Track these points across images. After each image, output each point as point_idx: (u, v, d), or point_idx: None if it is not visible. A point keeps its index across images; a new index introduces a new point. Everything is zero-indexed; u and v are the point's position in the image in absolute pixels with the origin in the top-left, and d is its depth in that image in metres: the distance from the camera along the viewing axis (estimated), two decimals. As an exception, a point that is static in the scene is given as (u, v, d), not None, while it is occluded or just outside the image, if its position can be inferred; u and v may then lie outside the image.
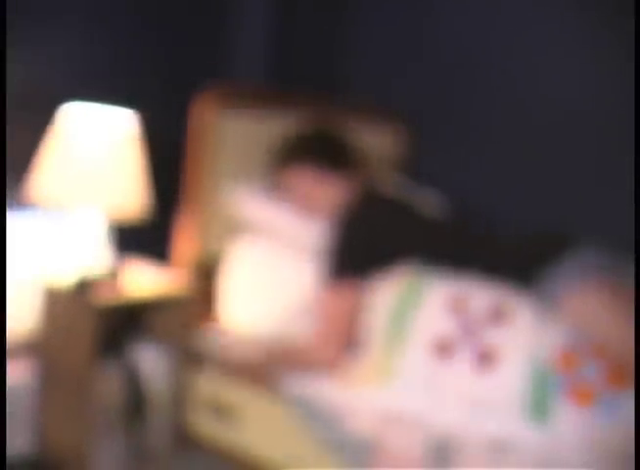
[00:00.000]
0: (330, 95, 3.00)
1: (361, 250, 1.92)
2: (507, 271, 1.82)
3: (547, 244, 1.85)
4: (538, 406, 1.61)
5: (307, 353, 1.91)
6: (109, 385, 1.97)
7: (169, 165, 2.31)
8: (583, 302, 1.69)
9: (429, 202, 2.21)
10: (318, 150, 2.12)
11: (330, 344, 1.88)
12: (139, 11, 2.39)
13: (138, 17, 2.39)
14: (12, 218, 2.02)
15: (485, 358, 1.68)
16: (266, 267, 2.00)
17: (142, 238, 2.17)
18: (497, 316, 1.73)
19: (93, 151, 1.88)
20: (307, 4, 2.97)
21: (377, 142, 2.62)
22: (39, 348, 2.02)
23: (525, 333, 1.69)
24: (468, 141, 2.95)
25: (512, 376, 1.65)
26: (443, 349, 1.73)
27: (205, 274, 2.24)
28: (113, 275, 1.97)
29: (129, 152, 1.95)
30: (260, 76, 2.78)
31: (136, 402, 2.07)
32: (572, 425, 1.57)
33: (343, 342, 1.89)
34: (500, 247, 1.89)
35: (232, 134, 2.29)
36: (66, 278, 1.94)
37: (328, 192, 2.12)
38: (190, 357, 2.14)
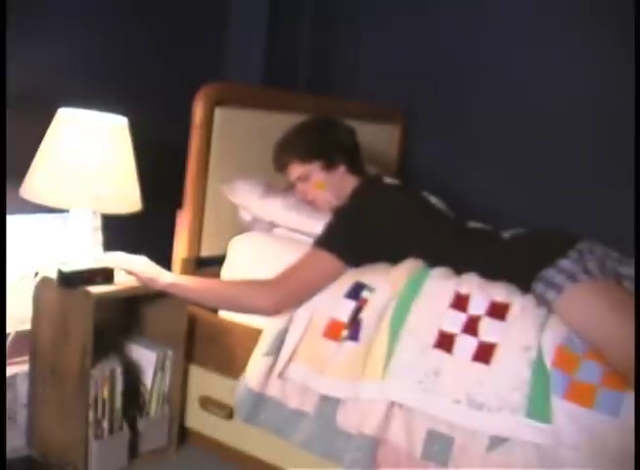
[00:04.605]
0: (328, 94, 3.00)
1: (351, 233, 1.92)
2: (508, 271, 1.81)
3: (548, 244, 1.85)
4: (538, 404, 1.60)
5: (255, 292, 1.89)
6: (105, 381, 1.96)
7: (169, 165, 2.30)
8: (583, 302, 1.68)
9: (431, 201, 2.20)
10: (307, 146, 2.11)
11: (277, 294, 1.87)
12: (136, 13, 2.39)
13: (134, 18, 2.39)
14: (10, 217, 2.02)
15: (485, 355, 1.68)
16: (266, 263, 1.99)
17: (141, 236, 2.16)
18: (497, 314, 1.72)
19: (87, 152, 1.88)
20: (306, 4, 2.98)
21: (375, 142, 2.62)
22: (33, 344, 2.01)
23: (524, 331, 1.68)
24: (469, 141, 2.95)
25: (511, 373, 1.64)
26: (443, 344, 1.72)
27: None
28: (107, 270, 1.96)
29: (124, 154, 1.95)
30: (259, 76, 2.78)
31: (132, 399, 2.06)
32: (572, 424, 1.56)
33: (291, 300, 1.89)
34: (501, 247, 1.89)
35: (230, 133, 2.29)
36: (61, 274, 1.93)
37: (325, 188, 2.12)
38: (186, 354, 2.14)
